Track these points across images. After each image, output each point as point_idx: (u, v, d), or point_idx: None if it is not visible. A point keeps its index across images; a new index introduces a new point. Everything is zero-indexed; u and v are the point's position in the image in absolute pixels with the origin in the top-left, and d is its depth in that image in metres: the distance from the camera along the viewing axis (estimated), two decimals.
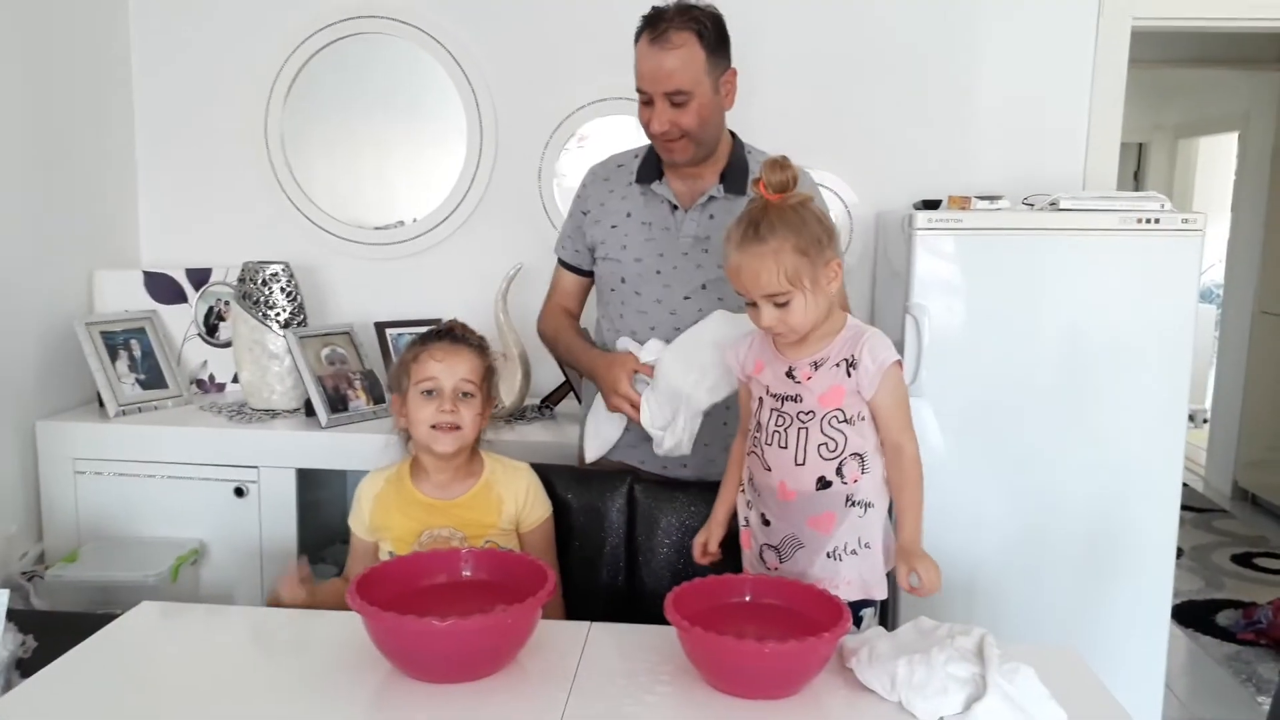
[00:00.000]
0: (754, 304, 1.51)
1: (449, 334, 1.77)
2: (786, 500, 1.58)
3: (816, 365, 1.53)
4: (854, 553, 1.55)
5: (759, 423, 1.61)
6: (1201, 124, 6.20)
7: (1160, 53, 4.45)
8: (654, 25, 1.81)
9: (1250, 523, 4.74)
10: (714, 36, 1.84)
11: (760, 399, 1.61)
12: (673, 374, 1.82)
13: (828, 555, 1.56)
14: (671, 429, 1.83)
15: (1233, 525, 4.70)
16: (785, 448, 1.56)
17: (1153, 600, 2.43)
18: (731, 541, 1.72)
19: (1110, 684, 1.43)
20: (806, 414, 1.54)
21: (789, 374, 1.56)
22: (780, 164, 1.49)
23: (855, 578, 1.51)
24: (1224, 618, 3.60)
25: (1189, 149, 6.76)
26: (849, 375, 1.52)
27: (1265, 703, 3.03)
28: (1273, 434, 4.80)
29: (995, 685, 1.25)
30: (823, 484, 1.54)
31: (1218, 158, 6.61)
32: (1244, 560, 4.24)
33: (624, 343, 1.92)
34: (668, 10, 1.83)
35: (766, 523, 1.63)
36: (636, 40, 1.85)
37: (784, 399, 1.57)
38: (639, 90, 1.86)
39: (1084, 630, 2.41)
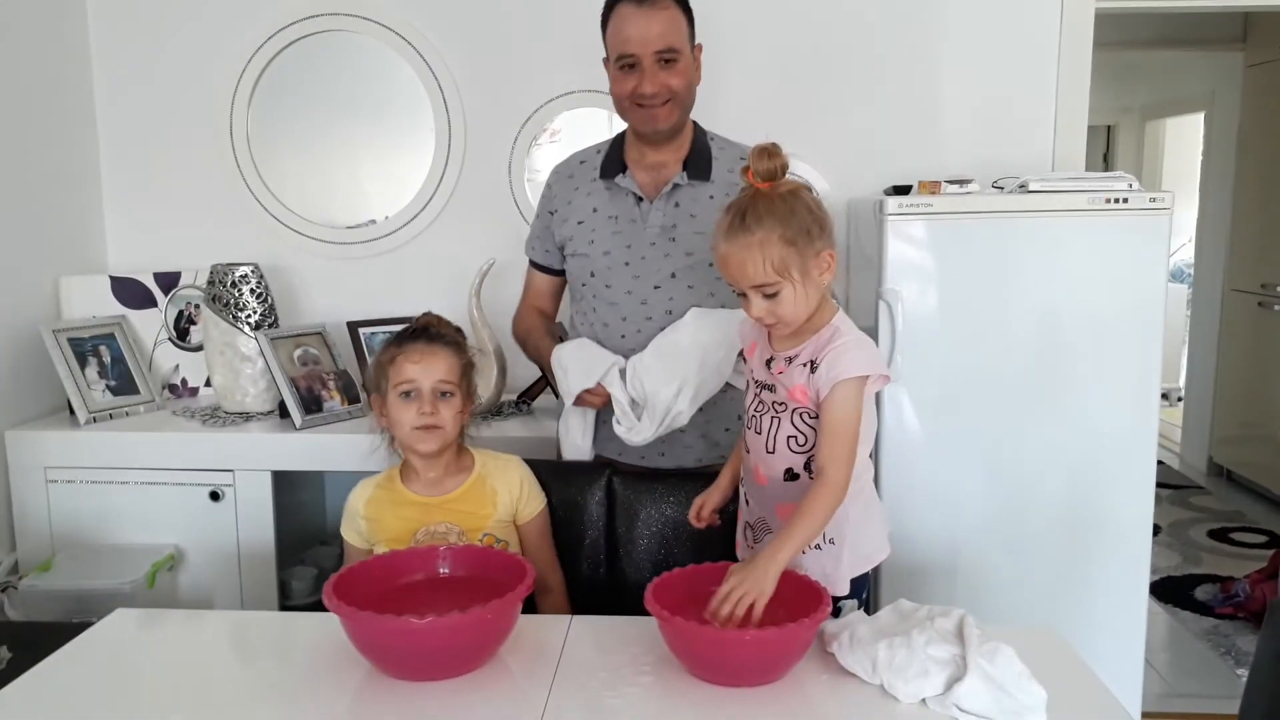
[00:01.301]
0: (744, 294, 1.49)
1: (424, 333, 1.75)
2: (760, 485, 1.59)
3: (789, 360, 1.52)
4: (817, 547, 1.53)
5: (747, 403, 1.62)
6: (1168, 105, 6.25)
7: (1125, 35, 4.49)
8: None
9: (1226, 498, 4.80)
10: (687, 4, 1.88)
11: (749, 382, 1.62)
12: (654, 384, 1.84)
13: None
14: (640, 428, 1.86)
15: (1209, 501, 4.75)
16: (760, 434, 1.57)
17: (1131, 577, 2.44)
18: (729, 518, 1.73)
19: (1091, 661, 1.44)
20: (780, 405, 1.54)
21: (768, 363, 1.56)
22: (769, 151, 1.45)
23: (817, 571, 1.49)
24: (1202, 592, 3.64)
25: (1156, 130, 6.82)
26: (809, 378, 1.50)
27: (1245, 675, 3.07)
28: (1245, 410, 4.86)
29: (976, 666, 1.26)
30: (790, 475, 1.54)
31: (1185, 138, 6.68)
32: (1221, 535, 4.29)
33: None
34: None
35: (747, 502, 1.64)
36: (610, 12, 1.87)
37: (763, 386, 1.57)
38: (623, 56, 1.85)
39: (1064, 608, 2.42)
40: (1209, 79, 5.21)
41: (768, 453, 1.55)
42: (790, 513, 1.47)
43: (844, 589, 1.55)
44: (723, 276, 1.52)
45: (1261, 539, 4.22)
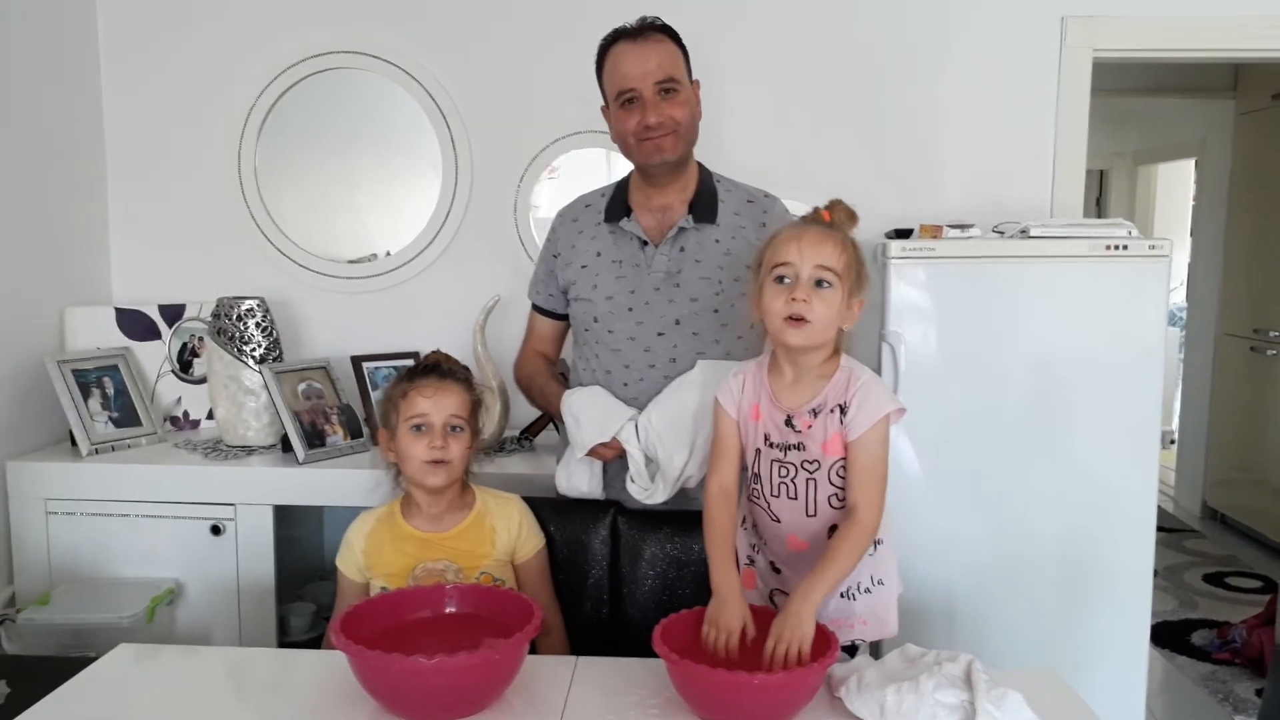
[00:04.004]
0: (782, 281, 1.46)
1: (436, 369, 1.77)
2: (799, 551, 1.56)
3: (815, 412, 1.51)
4: (867, 591, 1.55)
5: (757, 473, 1.58)
6: (1160, 151, 6.33)
7: (1119, 82, 4.56)
8: (628, 33, 1.87)
9: (1220, 542, 4.80)
10: (681, 43, 1.92)
11: (758, 449, 1.57)
12: (667, 451, 1.83)
13: (841, 595, 1.55)
14: (654, 490, 1.85)
15: (1203, 545, 4.76)
16: (795, 498, 1.54)
17: (1131, 621, 2.45)
18: None
19: (1091, 706, 1.45)
20: (812, 463, 1.52)
21: (789, 422, 1.53)
22: (851, 211, 1.53)
23: (870, 616, 1.51)
24: (1199, 637, 3.63)
25: (1148, 175, 6.90)
26: (842, 422, 1.49)
27: None
28: (1239, 454, 4.88)
29: (984, 711, 1.26)
30: (834, 531, 1.52)
31: (1176, 183, 6.76)
32: (1216, 580, 4.29)
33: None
34: (632, 24, 1.89)
35: (777, 570, 1.62)
36: (604, 56, 1.91)
37: (786, 448, 1.54)
38: (624, 92, 1.87)
39: (1063, 652, 2.42)
40: (1200, 126, 5.29)
41: (808, 517, 1.54)
42: None
43: (894, 629, 1.56)
44: (775, 258, 1.48)
45: (1257, 584, 4.23)
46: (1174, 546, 4.70)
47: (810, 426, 1.51)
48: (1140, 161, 6.78)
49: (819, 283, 1.46)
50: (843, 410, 1.49)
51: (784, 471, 1.54)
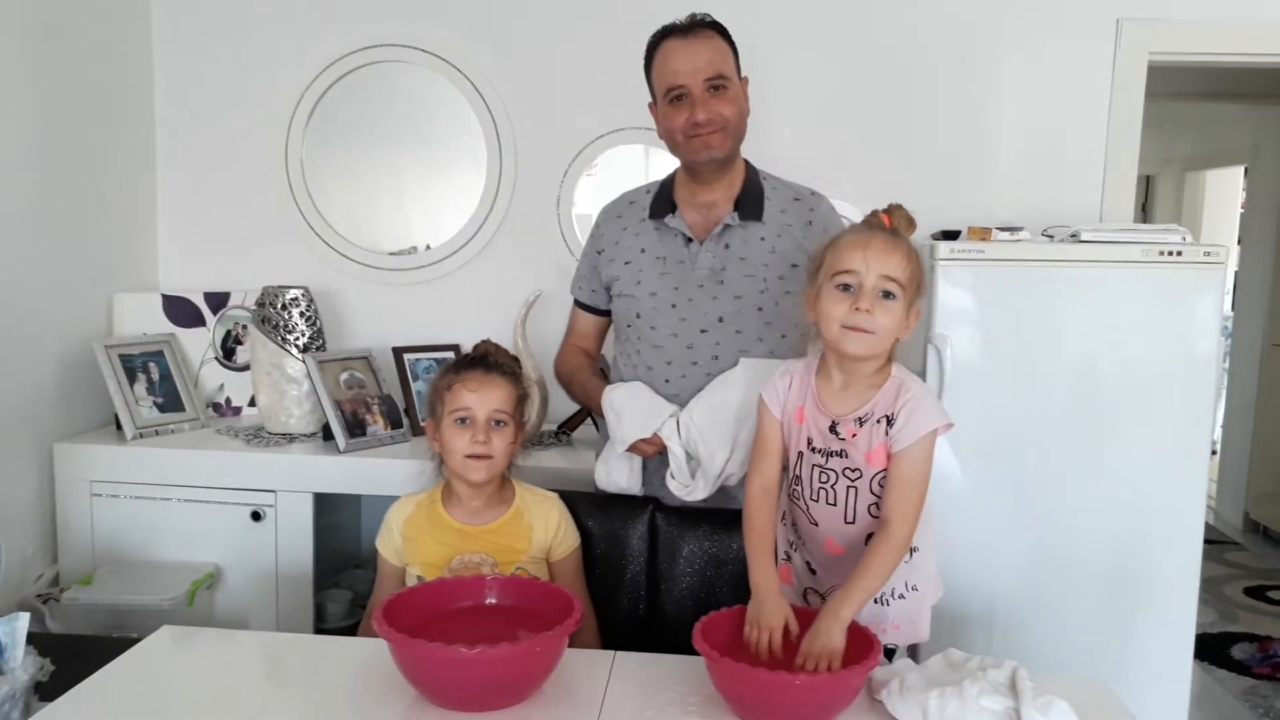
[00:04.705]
0: (846, 289, 1.44)
1: (482, 362, 1.77)
2: (835, 555, 1.55)
3: (861, 421, 1.49)
4: (901, 597, 1.53)
5: (798, 476, 1.57)
6: (1209, 157, 6.21)
7: (1169, 86, 4.47)
8: (677, 30, 1.87)
9: (1262, 555, 4.72)
10: (730, 40, 1.91)
11: (800, 453, 1.56)
12: (709, 449, 1.81)
13: (875, 600, 1.53)
14: (694, 487, 1.84)
15: (1245, 558, 4.68)
16: (834, 504, 1.53)
17: (1175, 634, 2.41)
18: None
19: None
20: (854, 471, 1.50)
21: (833, 429, 1.51)
22: (910, 217, 1.50)
23: (903, 621, 1.49)
24: (1239, 651, 3.57)
25: (1196, 182, 6.77)
26: (888, 433, 1.47)
27: None
28: None
29: (1030, 719, 1.24)
30: (870, 539, 1.50)
31: (1224, 191, 6.63)
32: (1257, 593, 4.21)
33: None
34: (682, 20, 1.88)
35: (813, 571, 1.60)
36: (653, 52, 1.91)
37: (829, 454, 1.52)
38: (673, 88, 1.87)
39: (1104, 663, 2.39)
40: (1252, 132, 5.19)
41: (846, 524, 1.52)
42: None
43: (926, 634, 1.54)
44: (841, 264, 1.45)
45: None
46: (1215, 559, 4.62)
47: (855, 435, 1.49)
48: (1189, 168, 6.65)
49: (885, 294, 1.44)
50: (889, 421, 1.47)
51: (825, 477, 1.53)
